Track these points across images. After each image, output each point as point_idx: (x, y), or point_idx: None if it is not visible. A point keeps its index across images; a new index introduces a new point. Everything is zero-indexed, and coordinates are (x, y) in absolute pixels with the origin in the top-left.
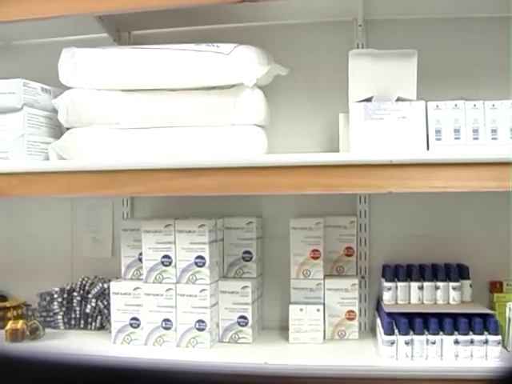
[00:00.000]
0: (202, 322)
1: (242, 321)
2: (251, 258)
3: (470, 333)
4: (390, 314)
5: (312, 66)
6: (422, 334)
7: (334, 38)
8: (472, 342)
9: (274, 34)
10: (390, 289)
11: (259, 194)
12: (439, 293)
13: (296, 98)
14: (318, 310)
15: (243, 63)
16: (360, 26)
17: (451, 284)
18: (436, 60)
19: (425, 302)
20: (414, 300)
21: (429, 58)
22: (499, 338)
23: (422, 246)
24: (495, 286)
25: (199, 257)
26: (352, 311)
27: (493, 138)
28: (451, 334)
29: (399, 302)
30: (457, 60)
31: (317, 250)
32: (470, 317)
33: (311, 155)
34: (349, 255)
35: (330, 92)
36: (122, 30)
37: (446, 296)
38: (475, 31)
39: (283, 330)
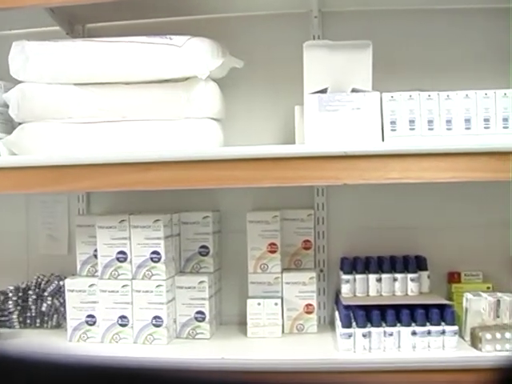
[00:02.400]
0: (159, 318)
1: (200, 316)
2: (208, 253)
3: (427, 324)
4: (347, 307)
5: (268, 58)
6: (379, 326)
7: (290, 30)
8: (429, 332)
9: (229, 26)
10: (347, 281)
11: (214, 187)
12: (397, 284)
13: (253, 90)
14: (276, 304)
15: (196, 55)
16: (316, 17)
17: (409, 275)
18: (392, 51)
19: (383, 294)
20: (372, 292)
21: (385, 49)
22: (456, 328)
23: (380, 238)
24: (453, 277)
25: (154, 252)
26: (310, 305)
27: (447, 129)
28: (408, 325)
29: (357, 294)
30: (413, 51)
31: (274, 244)
32: (427, 308)
33: (265, 148)
34: (307, 248)
35: (287, 84)
36: (76, 23)
37: (404, 288)
38: (431, 22)
39: (242, 324)
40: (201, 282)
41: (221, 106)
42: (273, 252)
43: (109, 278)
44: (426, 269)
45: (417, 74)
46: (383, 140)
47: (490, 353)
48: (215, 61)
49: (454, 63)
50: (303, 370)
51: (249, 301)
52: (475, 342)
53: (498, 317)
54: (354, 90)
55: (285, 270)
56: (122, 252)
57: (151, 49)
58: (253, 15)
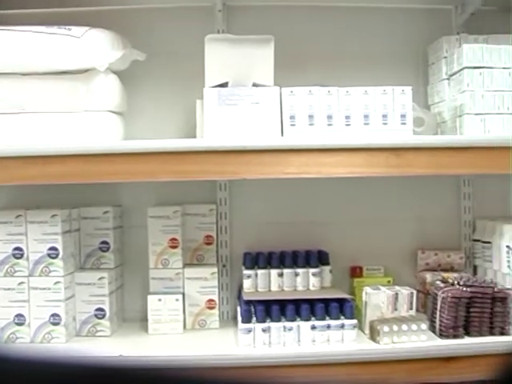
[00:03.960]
0: (57, 315)
1: (100, 313)
2: (108, 249)
3: (327, 318)
4: (248, 302)
5: (172, 51)
6: (279, 320)
7: (195, 24)
8: (329, 326)
9: (132, 18)
10: (249, 276)
11: (113, 181)
12: (299, 279)
13: (157, 83)
14: (177, 300)
15: (95, 47)
16: (220, 11)
17: (311, 270)
18: (296, 47)
19: (285, 288)
20: (274, 287)
21: (289, 44)
22: (355, 321)
23: (283, 233)
24: (355, 271)
25: (52, 248)
26: (212, 300)
27: (346, 125)
28: (308, 319)
29: (259, 289)
30: (315, 47)
31: (175, 239)
32: (327, 302)
33: (163, 141)
34: (209, 243)
35: (191, 78)
36: None
37: (306, 282)
38: (333, 19)
39: (145, 321)
40: (100, 278)
41: (121, 98)
42: (174, 247)
43: (4, 276)
44: (328, 263)
45: (319, 70)
46: (282, 135)
47: (388, 345)
48: (115, 53)
49: (355, 60)
50: (202, 366)
51: (149, 297)
52: (374, 334)
53: (396, 310)
54: (254, 85)
55: (186, 265)
56: (18, 248)
57: (49, 39)
58: (157, 7)
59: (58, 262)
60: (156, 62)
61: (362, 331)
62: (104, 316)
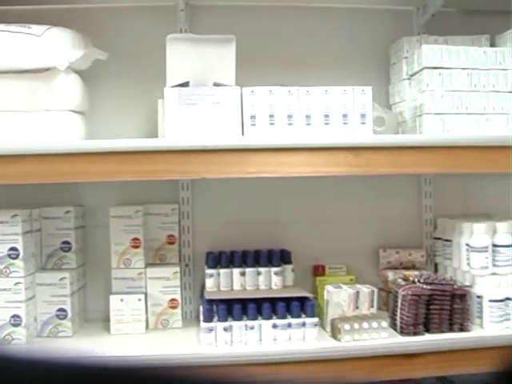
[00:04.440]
0: (18, 316)
1: (61, 313)
2: (70, 249)
3: (288, 316)
4: (209, 301)
5: (135, 51)
6: (240, 319)
7: (157, 23)
8: (290, 325)
9: (94, 17)
10: (212, 276)
11: (74, 181)
12: (261, 278)
13: (119, 83)
14: (139, 300)
15: (56, 46)
16: (182, 10)
17: (273, 269)
18: (260, 47)
19: (247, 287)
20: (236, 286)
21: (253, 44)
22: (316, 320)
23: (246, 232)
24: (318, 270)
25: (12, 248)
26: (175, 299)
27: (307, 124)
28: (269, 318)
29: (222, 288)
30: (279, 47)
31: (137, 239)
32: (288, 301)
33: (124, 141)
34: (171, 243)
35: (153, 77)
36: None
37: (268, 281)
38: (295, 19)
39: (107, 321)
40: (62, 279)
41: (83, 98)
42: (136, 247)
43: None
44: (290, 262)
45: (281, 70)
46: (243, 134)
47: (349, 343)
48: (76, 52)
49: (318, 60)
50: (163, 365)
51: (111, 297)
52: (335, 332)
53: (358, 308)
54: (215, 84)
55: (149, 265)
56: None
57: (8, 37)
58: (119, 7)
59: (19, 262)
60: (118, 61)
61: (324, 329)
62: (66, 316)
